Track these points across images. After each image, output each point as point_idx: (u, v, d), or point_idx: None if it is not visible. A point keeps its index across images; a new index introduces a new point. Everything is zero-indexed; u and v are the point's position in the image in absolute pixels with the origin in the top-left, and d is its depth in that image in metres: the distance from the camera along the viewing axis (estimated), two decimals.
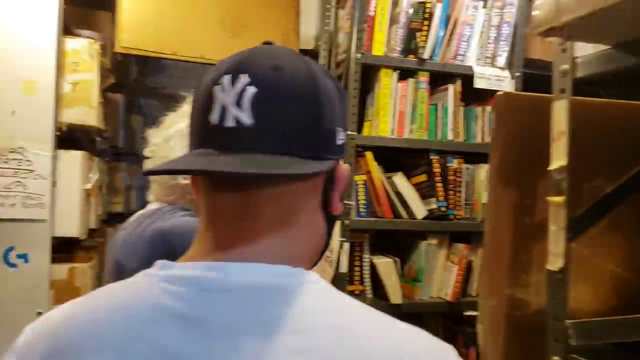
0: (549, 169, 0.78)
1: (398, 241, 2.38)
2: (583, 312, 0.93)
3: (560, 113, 0.78)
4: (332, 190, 0.62)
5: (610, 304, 0.93)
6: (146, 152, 1.23)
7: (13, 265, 1.94)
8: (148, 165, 1.24)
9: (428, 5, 2.23)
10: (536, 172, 0.83)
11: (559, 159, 0.77)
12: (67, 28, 2.23)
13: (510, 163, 0.93)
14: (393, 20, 2.23)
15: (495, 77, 2.26)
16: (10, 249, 1.94)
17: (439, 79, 2.29)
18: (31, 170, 1.94)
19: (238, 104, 0.55)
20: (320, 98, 0.58)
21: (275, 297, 0.54)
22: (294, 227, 0.59)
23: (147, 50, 2.12)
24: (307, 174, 0.57)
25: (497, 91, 2.27)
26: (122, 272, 1.04)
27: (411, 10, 2.22)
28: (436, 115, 2.27)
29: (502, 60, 2.30)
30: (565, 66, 0.77)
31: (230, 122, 0.55)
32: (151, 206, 1.23)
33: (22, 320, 1.94)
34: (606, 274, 0.96)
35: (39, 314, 1.98)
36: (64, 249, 2.22)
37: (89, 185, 2.17)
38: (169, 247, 0.98)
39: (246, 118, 0.55)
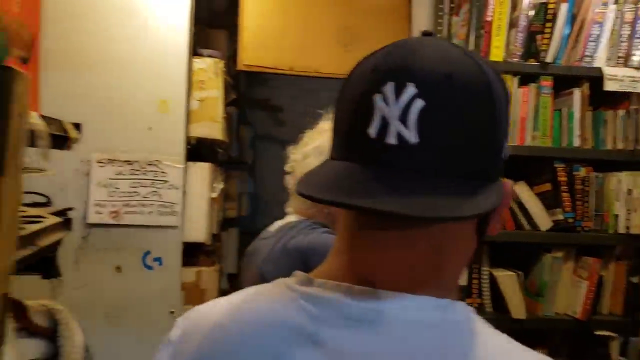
0: None
1: (519, 253, 2.27)
2: None
3: None
4: (493, 211, 0.54)
5: None
6: (286, 167, 1.28)
7: (150, 268, 2.12)
8: (289, 181, 1.29)
9: (551, 5, 2.12)
10: None
11: None
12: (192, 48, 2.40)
13: None
14: (512, 24, 2.15)
15: (629, 78, 2.09)
16: (148, 252, 2.12)
17: (563, 83, 2.16)
18: (166, 181, 2.11)
19: (403, 119, 0.48)
20: (495, 111, 0.51)
21: (428, 333, 0.51)
22: (446, 256, 0.54)
23: (267, 67, 2.23)
24: (481, 213, 0.49)
25: (630, 94, 2.13)
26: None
27: (532, 13, 2.13)
28: (561, 121, 2.15)
29: (637, 59, 2.13)
30: None
31: (392, 139, 0.49)
32: (290, 218, 1.27)
33: (157, 318, 2.11)
34: None
35: (172, 313, 2.15)
36: (188, 252, 2.38)
37: (214, 194, 2.32)
38: (305, 266, 1.03)
39: (411, 136, 0.48)
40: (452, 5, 2.41)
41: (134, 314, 2.11)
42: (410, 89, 0.49)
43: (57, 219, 0.92)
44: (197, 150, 2.35)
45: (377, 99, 0.50)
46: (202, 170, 2.22)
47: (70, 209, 1.19)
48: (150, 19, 2.11)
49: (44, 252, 0.95)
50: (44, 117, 0.92)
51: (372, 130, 0.50)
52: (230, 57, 2.96)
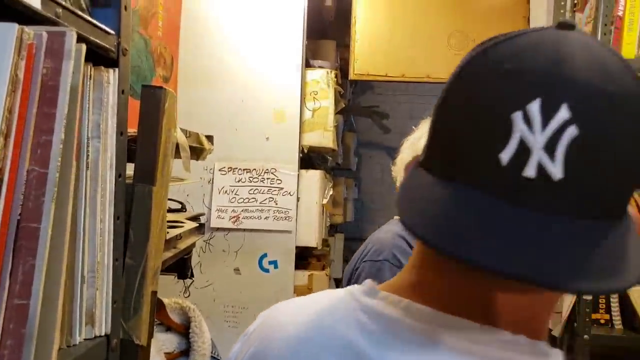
0: None
1: None
2: None
3: None
4: None
5: None
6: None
7: (266, 270, 2.23)
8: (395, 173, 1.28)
9: None
10: None
11: None
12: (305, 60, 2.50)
13: None
14: None
15: None
16: (264, 255, 2.23)
17: None
18: (281, 188, 2.21)
19: (549, 149, 0.39)
20: None
21: None
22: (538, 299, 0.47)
23: (378, 75, 2.25)
24: None
25: None
26: None
27: None
28: None
29: None
30: None
31: (531, 171, 0.40)
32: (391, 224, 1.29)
33: None
34: None
35: None
36: (300, 256, 2.46)
37: (325, 201, 2.39)
38: None
39: (556, 171, 0.39)
40: (575, 1, 2.27)
41: (250, 314, 2.23)
42: (564, 112, 0.39)
43: (193, 224, 1.02)
44: (308, 157, 2.43)
45: (518, 119, 0.40)
46: (314, 178, 2.29)
47: (202, 214, 1.29)
48: (268, 34, 2.23)
49: (182, 254, 1.05)
50: (183, 131, 1.02)
51: (505, 156, 0.40)
52: (339, 66, 3.04)
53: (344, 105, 2.62)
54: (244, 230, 2.21)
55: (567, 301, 2.02)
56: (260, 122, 2.23)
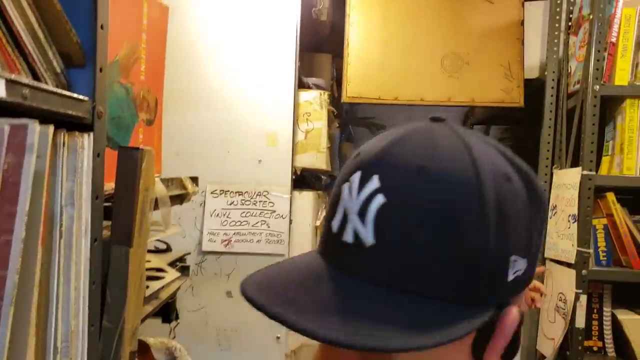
0: None
1: None
2: None
3: None
4: (486, 344, 0.44)
5: None
6: None
7: None
8: None
9: None
10: None
11: None
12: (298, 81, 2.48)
13: None
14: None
15: None
16: None
17: None
18: (273, 211, 2.20)
19: (362, 214, 0.43)
20: (486, 216, 0.41)
21: None
22: None
23: (371, 98, 2.24)
24: (434, 344, 0.39)
25: None
26: None
27: None
28: None
29: None
30: None
31: (349, 236, 0.43)
32: None
33: (264, 343, 2.19)
34: None
35: (277, 338, 2.23)
36: None
37: (318, 222, 2.37)
38: None
39: (368, 235, 0.42)
40: (569, 24, 2.26)
41: (242, 338, 2.22)
42: (374, 182, 0.43)
43: (175, 274, 1.00)
44: (302, 176, 2.42)
45: (345, 189, 0.45)
46: (307, 200, 2.28)
47: (187, 254, 1.28)
48: (260, 56, 2.22)
49: (165, 302, 1.04)
50: (165, 180, 1.01)
51: (334, 224, 0.45)
52: (335, 80, 3.02)
53: (337, 126, 2.60)
54: (236, 253, 2.20)
55: (560, 328, 2.01)
56: (252, 145, 2.22)
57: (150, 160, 0.86)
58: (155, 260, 1.09)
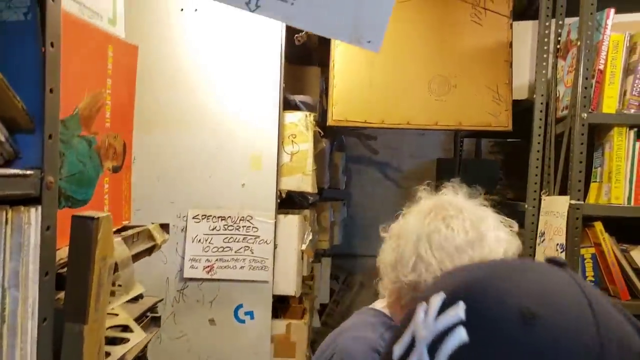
0: None
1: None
2: None
3: None
4: None
5: None
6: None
7: (242, 321, 2.17)
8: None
9: None
10: None
11: None
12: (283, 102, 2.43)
13: None
14: (628, 71, 1.93)
15: None
16: (240, 306, 2.17)
17: None
18: (257, 236, 2.15)
19: (433, 348, 0.34)
20: None
21: None
22: None
23: (357, 121, 2.20)
24: None
25: None
26: None
27: None
28: None
29: None
30: None
31: None
32: (377, 304, 1.17)
33: None
34: None
35: None
36: (279, 300, 2.40)
37: (304, 247, 2.33)
38: None
39: None
40: (558, 46, 2.22)
41: None
42: (459, 310, 0.34)
43: (141, 336, 0.96)
44: (289, 196, 2.37)
45: (420, 309, 0.36)
46: (292, 224, 2.24)
47: (159, 300, 1.24)
48: (242, 77, 2.17)
49: None
50: (129, 238, 0.96)
51: (397, 350, 0.37)
52: (324, 93, 2.97)
53: (324, 146, 2.56)
54: (219, 280, 2.15)
55: None
56: (235, 168, 2.17)
57: (107, 226, 0.81)
58: (122, 314, 1.04)
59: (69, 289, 0.77)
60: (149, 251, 1.06)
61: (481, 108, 2.22)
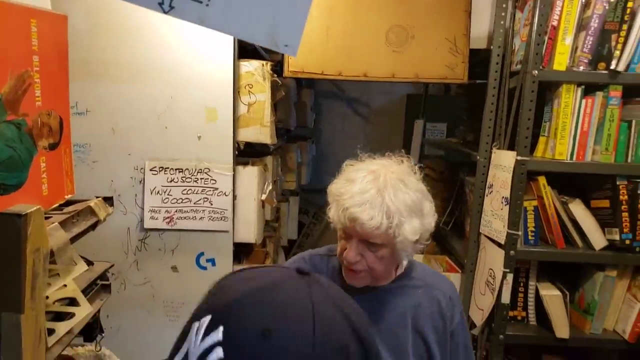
0: None
1: (571, 266, 2.18)
2: None
3: None
4: None
5: None
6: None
7: (204, 268, 2.26)
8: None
9: (630, 4, 1.88)
10: None
11: None
12: (240, 41, 2.37)
13: None
14: (581, 26, 1.94)
15: None
16: (201, 254, 2.25)
17: (634, 91, 1.96)
18: (216, 188, 2.19)
19: None
20: None
21: None
22: None
23: (314, 73, 2.19)
24: None
25: None
26: None
27: (607, 6, 1.90)
28: (628, 134, 1.96)
29: None
30: None
31: None
32: None
33: None
34: None
35: None
36: (241, 247, 2.49)
37: (264, 196, 2.38)
38: None
39: None
40: None
41: (190, 309, 2.27)
42: (218, 333, 0.45)
43: (88, 309, 1.01)
44: (249, 145, 2.38)
45: (194, 327, 0.47)
46: (251, 175, 2.27)
47: (111, 266, 1.28)
48: (195, 26, 2.11)
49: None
50: (69, 220, 0.99)
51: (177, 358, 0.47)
52: None
53: (283, 94, 2.55)
54: (179, 230, 2.21)
55: (489, 301, 2.13)
56: (191, 120, 2.16)
57: (38, 220, 0.84)
58: (70, 285, 1.09)
59: (2, 283, 0.81)
60: (92, 227, 1.09)
61: (438, 60, 2.23)
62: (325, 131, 4.80)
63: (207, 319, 0.47)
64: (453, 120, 3.83)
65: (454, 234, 2.80)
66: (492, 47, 2.26)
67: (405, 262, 1.29)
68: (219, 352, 0.45)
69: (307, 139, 4.33)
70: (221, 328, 0.45)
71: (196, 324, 0.48)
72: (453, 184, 2.95)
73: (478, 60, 2.36)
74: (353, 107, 4.86)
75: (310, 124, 4.29)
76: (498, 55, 2.24)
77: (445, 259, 2.66)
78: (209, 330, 0.46)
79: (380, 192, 1.09)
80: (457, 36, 2.23)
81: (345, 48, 2.19)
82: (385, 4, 2.18)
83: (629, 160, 1.96)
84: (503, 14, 2.23)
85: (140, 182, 2.18)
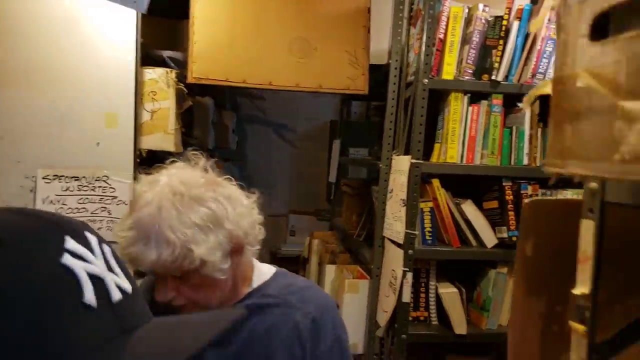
0: (572, 291, 0.72)
1: (467, 266, 2.30)
2: None
3: (586, 234, 0.71)
4: None
5: None
6: None
7: None
8: None
9: (504, 22, 2.09)
10: (567, 277, 0.77)
11: (582, 284, 0.71)
12: (148, 51, 2.35)
13: (538, 268, 0.87)
14: (465, 40, 2.11)
15: None
16: None
17: (514, 100, 2.15)
18: (114, 197, 2.11)
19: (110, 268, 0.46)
20: None
21: None
22: None
23: (218, 80, 2.20)
24: None
25: None
26: None
27: (486, 24, 2.09)
28: (511, 139, 2.14)
29: None
30: (594, 184, 0.69)
31: (116, 295, 0.44)
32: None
33: None
34: None
35: None
36: None
37: None
38: None
39: (126, 285, 0.47)
40: (411, 14, 2.36)
41: None
42: (94, 237, 0.50)
43: None
44: (153, 153, 2.32)
45: (68, 260, 0.42)
46: None
47: None
48: (95, 32, 2.08)
49: None
50: None
51: (91, 297, 0.42)
52: None
53: (191, 104, 2.54)
54: None
55: (392, 302, 2.19)
56: (89, 126, 2.09)
57: None
58: None
59: None
60: None
61: (340, 71, 2.32)
62: (250, 156, 4.79)
63: (69, 240, 0.44)
64: (368, 141, 3.98)
65: (365, 243, 2.87)
66: (390, 61, 2.40)
67: (266, 274, 1.14)
68: (107, 246, 0.51)
69: (228, 160, 4.30)
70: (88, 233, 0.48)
71: (66, 256, 0.43)
72: (369, 199, 3.05)
73: (380, 75, 2.49)
74: (279, 133, 4.90)
75: (232, 145, 4.28)
76: (396, 68, 2.37)
77: (357, 268, 2.71)
78: (85, 244, 0.47)
79: (155, 219, 0.91)
80: (357, 49, 2.35)
81: (249, 57, 2.24)
82: (288, 16, 2.26)
83: (512, 163, 2.13)
84: (399, 30, 2.38)
85: (31, 191, 2.06)
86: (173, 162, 1.05)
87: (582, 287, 0.70)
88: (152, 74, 2.24)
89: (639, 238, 0.81)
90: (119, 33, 2.10)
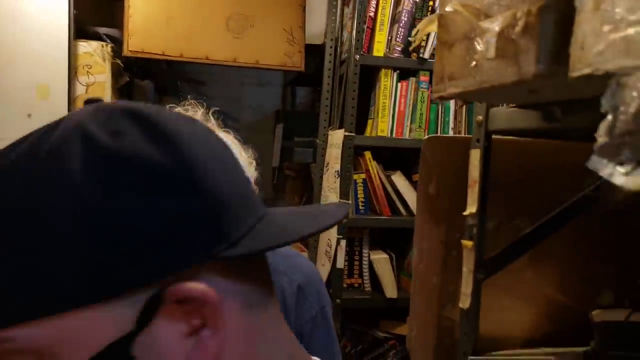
0: (463, 213, 0.83)
1: (399, 235, 2.43)
2: (513, 339, 0.97)
3: (474, 161, 0.81)
4: None
5: (543, 330, 0.97)
6: None
7: None
8: None
9: (431, 3, 2.22)
10: (464, 208, 0.88)
11: (471, 205, 0.82)
12: (83, 27, 2.33)
13: (438, 199, 0.97)
14: (395, 19, 2.23)
15: None
16: None
17: None
18: None
19: None
20: None
21: None
22: None
23: (154, 53, 2.22)
24: None
25: None
26: None
27: (414, 7, 2.21)
28: (437, 114, 2.28)
29: None
30: (480, 117, 0.80)
31: None
32: None
33: None
34: (542, 298, 1.00)
35: None
36: None
37: None
38: None
39: None
40: None
41: None
42: None
43: None
44: None
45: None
46: None
47: None
48: (25, 4, 2.04)
49: None
50: None
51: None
52: None
53: (128, 80, 2.53)
54: None
55: (327, 269, 2.29)
56: (20, 97, 2.06)
57: None
58: None
59: None
60: None
61: (277, 48, 2.39)
62: None
63: None
64: (311, 128, 4.04)
65: None
66: (326, 40, 2.49)
67: None
68: None
69: None
70: None
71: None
72: (311, 180, 3.14)
73: (318, 54, 2.58)
74: (224, 122, 4.85)
75: None
76: (331, 47, 2.47)
77: (297, 244, 2.80)
78: None
79: None
80: (293, 27, 2.42)
81: (186, 31, 2.26)
82: None
83: None
84: (334, 10, 2.47)
85: None
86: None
87: (470, 208, 0.81)
88: (87, 47, 2.22)
89: (525, 170, 0.93)
90: (50, 6, 2.07)
